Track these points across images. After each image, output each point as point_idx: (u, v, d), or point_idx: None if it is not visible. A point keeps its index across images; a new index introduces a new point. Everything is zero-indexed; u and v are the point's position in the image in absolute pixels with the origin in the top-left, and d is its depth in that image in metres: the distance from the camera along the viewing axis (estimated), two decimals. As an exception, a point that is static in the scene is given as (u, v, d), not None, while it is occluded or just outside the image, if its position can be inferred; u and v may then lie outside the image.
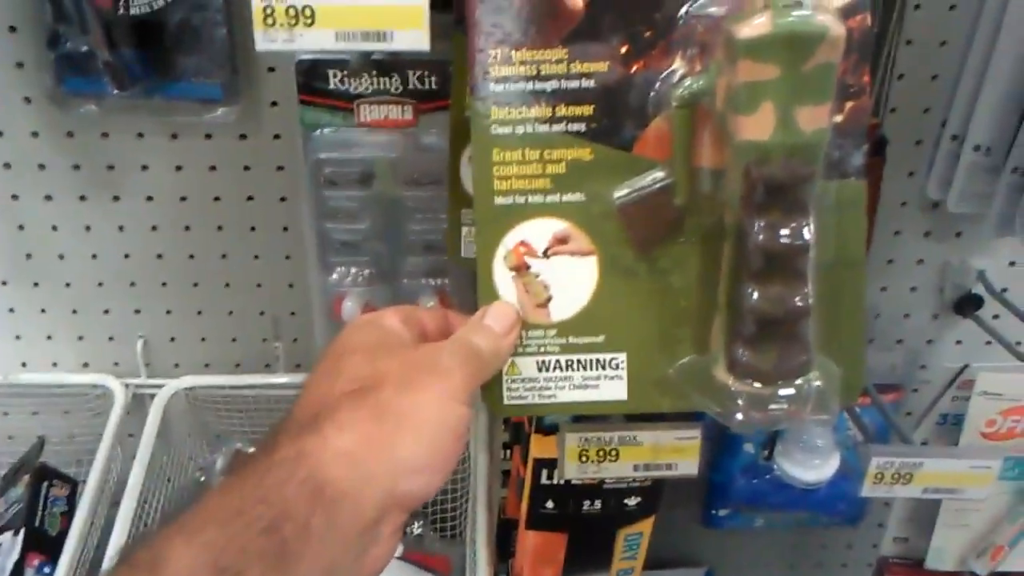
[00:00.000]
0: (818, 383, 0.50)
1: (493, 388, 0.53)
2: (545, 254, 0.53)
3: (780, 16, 0.45)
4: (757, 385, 0.49)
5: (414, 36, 0.50)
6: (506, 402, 0.54)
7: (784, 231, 0.48)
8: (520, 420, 0.80)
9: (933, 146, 0.83)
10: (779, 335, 0.49)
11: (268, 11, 0.49)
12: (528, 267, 0.53)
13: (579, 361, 0.53)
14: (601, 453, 0.57)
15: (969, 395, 0.80)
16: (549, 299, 0.53)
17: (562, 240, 0.53)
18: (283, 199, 0.87)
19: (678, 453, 0.58)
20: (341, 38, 0.50)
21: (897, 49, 0.79)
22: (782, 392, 0.49)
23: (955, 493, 0.63)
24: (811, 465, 0.81)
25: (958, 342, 0.97)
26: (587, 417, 0.66)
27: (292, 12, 0.50)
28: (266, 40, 0.49)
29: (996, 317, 0.92)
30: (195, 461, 0.97)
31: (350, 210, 0.71)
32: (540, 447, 0.70)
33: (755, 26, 0.45)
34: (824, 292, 0.50)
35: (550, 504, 0.74)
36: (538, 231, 0.53)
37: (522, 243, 0.53)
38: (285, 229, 0.89)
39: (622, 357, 0.53)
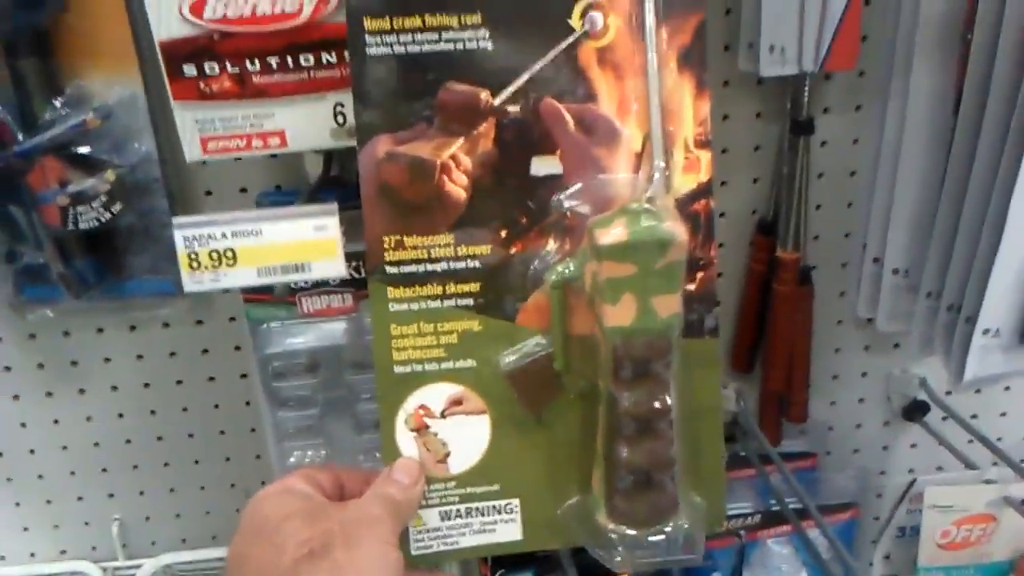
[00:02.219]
0: (686, 525, 0.57)
1: (401, 541, 0.57)
2: (442, 415, 0.59)
3: (634, 224, 0.53)
4: (631, 532, 0.56)
5: (330, 266, 0.54)
6: (414, 552, 0.59)
7: (647, 399, 0.55)
8: (485, 578, 0.81)
9: (858, 269, 0.87)
10: (649, 485, 0.56)
11: (192, 256, 0.53)
12: (427, 427, 0.58)
13: (477, 508, 0.59)
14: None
15: (921, 507, 0.82)
16: (448, 455, 0.59)
17: (457, 402, 0.59)
18: (243, 376, 0.91)
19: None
20: (263, 274, 0.54)
21: (809, 182, 0.84)
22: (652, 538, 0.57)
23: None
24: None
25: (912, 445, 0.99)
26: (547, 573, 0.70)
27: (215, 255, 0.54)
28: (193, 282, 0.53)
29: (945, 419, 0.94)
30: (177, 639, 0.97)
31: (301, 398, 0.74)
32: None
33: (614, 235, 0.53)
34: (688, 434, 0.57)
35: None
36: (435, 394, 0.58)
37: (421, 406, 0.58)
38: (247, 403, 0.92)
39: (516, 502, 0.60)
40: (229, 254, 0.54)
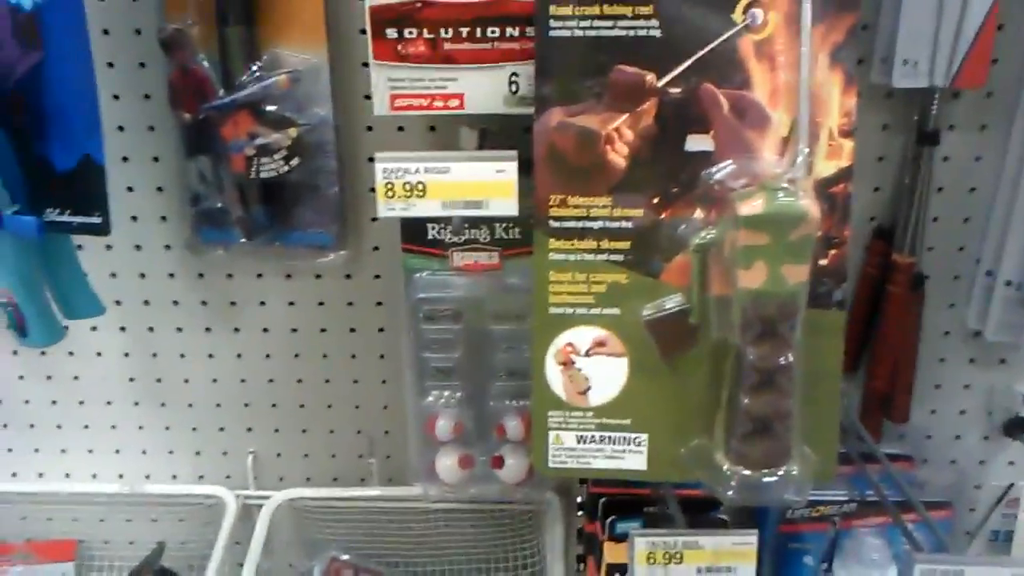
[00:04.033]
0: (795, 471, 0.64)
1: (541, 453, 0.67)
2: (587, 353, 0.67)
3: (772, 199, 0.60)
4: (745, 472, 0.64)
5: (506, 204, 0.62)
6: (551, 464, 0.69)
7: (771, 355, 0.62)
8: (593, 531, 0.87)
9: (970, 281, 0.91)
10: (765, 432, 0.63)
11: (389, 187, 0.62)
12: (573, 363, 0.67)
13: (610, 437, 0.68)
14: (667, 556, 0.66)
15: (1017, 512, 0.85)
16: (588, 389, 0.68)
17: (601, 343, 0.67)
18: (381, 330, 0.99)
19: (737, 557, 0.66)
20: (447, 206, 0.62)
21: (930, 196, 0.88)
22: (764, 479, 0.64)
23: (996, 601, 0.69)
24: (868, 578, 0.86)
25: (1011, 463, 1.02)
26: (655, 522, 0.76)
27: (408, 187, 0.62)
28: (387, 208, 0.61)
29: (1045, 438, 0.97)
30: (294, 567, 1.06)
31: (444, 342, 0.81)
32: (613, 554, 0.79)
33: (753, 206, 0.61)
34: (807, 394, 0.64)
35: (622, 607, 0.81)
36: (582, 335, 0.67)
37: (569, 344, 0.67)
38: (382, 357, 1.00)
39: (644, 437, 0.68)
40: (420, 187, 0.62)
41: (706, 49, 0.64)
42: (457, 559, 1.07)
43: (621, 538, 0.77)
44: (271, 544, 1.02)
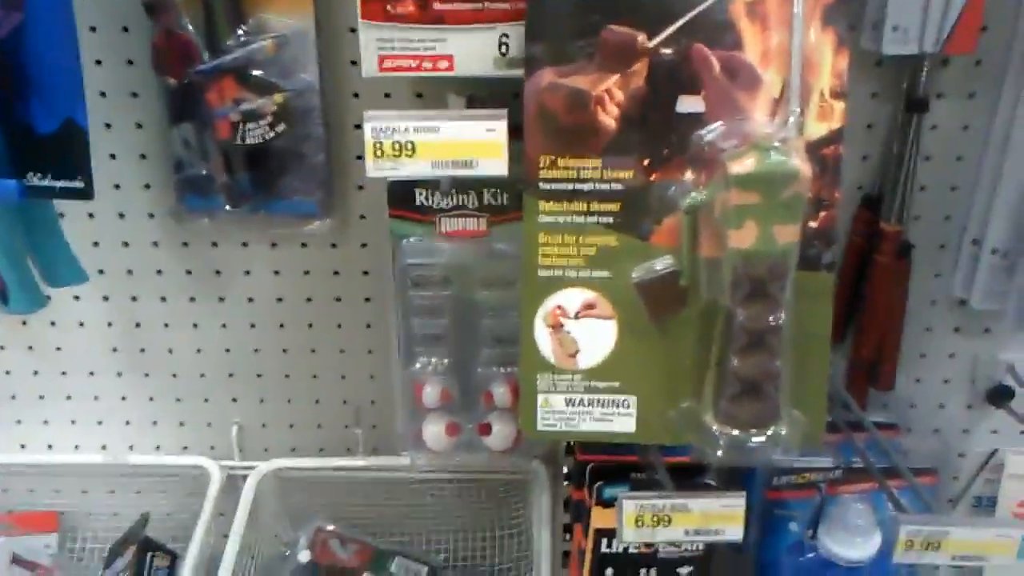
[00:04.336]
0: (783, 432, 0.65)
1: (530, 416, 0.66)
2: (576, 316, 0.67)
3: (763, 158, 0.60)
4: (734, 432, 0.64)
5: (495, 164, 0.61)
6: (539, 427, 0.69)
7: (761, 316, 0.62)
8: (581, 498, 0.87)
9: (956, 250, 0.92)
10: (754, 393, 0.64)
11: (378, 145, 0.61)
12: (562, 325, 0.67)
13: (599, 400, 0.68)
14: (655, 519, 0.66)
15: (1000, 478, 0.86)
16: (577, 351, 0.68)
17: (590, 306, 0.67)
18: (367, 299, 0.98)
19: (724, 520, 0.66)
20: (436, 167, 0.61)
21: (917, 164, 0.89)
22: (753, 440, 0.64)
23: (982, 560, 0.69)
24: (854, 543, 0.87)
25: (993, 431, 1.03)
26: (642, 487, 0.76)
27: (397, 146, 0.61)
28: (376, 168, 0.61)
29: (1029, 407, 0.98)
30: (279, 538, 1.05)
31: (432, 308, 0.81)
32: (601, 518, 0.79)
33: (744, 164, 0.60)
34: (796, 356, 0.65)
35: (610, 572, 0.82)
36: (571, 298, 0.67)
37: (558, 307, 0.67)
38: (368, 326, 1.00)
39: (633, 399, 0.68)
40: (409, 146, 0.61)
41: (697, 9, 0.64)
42: (444, 529, 1.07)
43: (609, 503, 0.77)
44: (256, 515, 1.01)
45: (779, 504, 0.91)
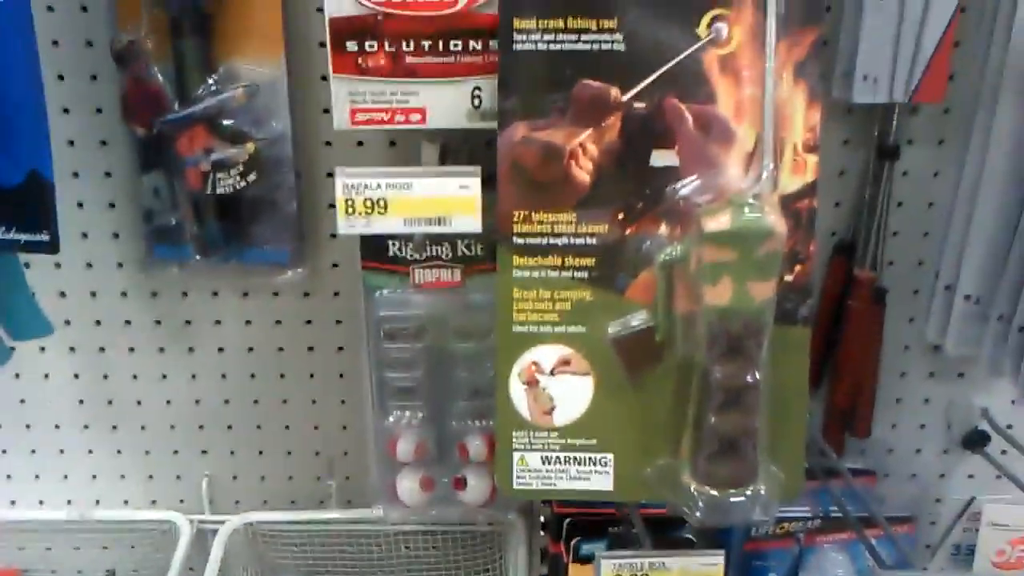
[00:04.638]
0: (763, 491, 0.64)
1: (505, 474, 0.65)
2: (551, 372, 0.66)
3: (738, 215, 0.60)
4: (712, 492, 0.63)
5: (468, 221, 0.60)
6: (515, 487, 0.67)
7: (738, 374, 0.62)
8: (558, 551, 0.86)
9: (929, 295, 0.92)
10: (732, 452, 0.63)
11: (349, 202, 0.60)
12: (538, 382, 0.66)
13: (575, 458, 0.67)
14: (634, 579, 0.65)
15: (978, 527, 0.85)
16: (553, 408, 0.66)
17: (566, 362, 0.66)
18: (340, 348, 0.97)
19: (703, 579, 0.65)
20: (408, 223, 0.60)
21: (889, 211, 0.89)
22: (734, 499, 0.63)
23: (961, 616, 0.69)
24: (833, 595, 0.86)
25: (970, 476, 1.03)
26: (620, 542, 0.75)
27: (369, 203, 0.61)
28: (347, 225, 0.60)
29: (1004, 452, 0.98)
30: (252, 594, 1.03)
31: (406, 360, 0.80)
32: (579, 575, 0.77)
33: (719, 222, 0.60)
34: (774, 411, 0.64)
35: (588, 631, 0.80)
36: (547, 354, 0.66)
37: (534, 363, 0.66)
38: (341, 376, 0.98)
39: (610, 457, 0.66)
40: (382, 203, 0.61)
41: (671, 63, 0.64)
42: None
43: (586, 560, 0.76)
44: (227, 570, 0.99)
45: (757, 555, 0.91)
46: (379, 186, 0.60)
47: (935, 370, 0.98)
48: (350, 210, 0.60)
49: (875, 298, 0.90)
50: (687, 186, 0.64)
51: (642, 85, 0.64)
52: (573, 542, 0.81)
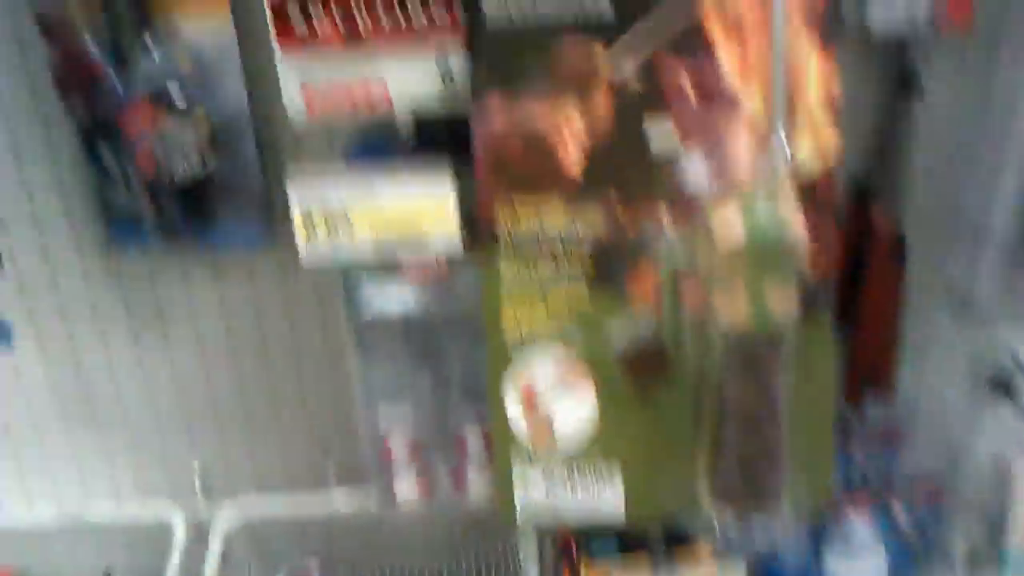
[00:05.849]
0: (785, 510, 0.57)
1: (508, 505, 0.58)
2: (549, 389, 0.58)
3: (751, 220, 0.53)
4: (733, 512, 0.57)
5: (447, 240, 0.52)
6: (519, 519, 0.61)
7: (757, 393, 0.55)
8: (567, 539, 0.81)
9: (955, 240, 0.85)
10: (752, 472, 0.56)
11: (308, 221, 0.53)
12: (535, 405, 0.58)
13: (582, 483, 0.59)
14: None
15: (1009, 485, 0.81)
16: (554, 430, 0.59)
17: (563, 376, 0.59)
18: (322, 328, 0.90)
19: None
20: (379, 246, 0.53)
21: (910, 149, 0.81)
22: (751, 522, 0.58)
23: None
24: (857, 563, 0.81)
25: (998, 431, 0.96)
26: (631, 544, 0.69)
27: (330, 220, 0.53)
28: (311, 252, 0.53)
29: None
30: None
31: (392, 357, 0.72)
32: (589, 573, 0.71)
33: (733, 236, 0.54)
34: (798, 415, 0.57)
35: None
36: (542, 370, 0.58)
37: (529, 384, 0.58)
38: (326, 355, 0.92)
39: (619, 478, 0.59)
40: (344, 218, 0.53)
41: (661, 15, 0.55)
42: (427, 567, 1.01)
43: (597, 554, 0.70)
44: (228, 560, 0.94)
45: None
46: (339, 200, 0.51)
47: (961, 320, 0.91)
48: (310, 231, 0.52)
49: (895, 248, 0.83)
50: (689, 166, 0.55)
51: (630, 35, 0.55)
52: (583, 539, 0.75)
